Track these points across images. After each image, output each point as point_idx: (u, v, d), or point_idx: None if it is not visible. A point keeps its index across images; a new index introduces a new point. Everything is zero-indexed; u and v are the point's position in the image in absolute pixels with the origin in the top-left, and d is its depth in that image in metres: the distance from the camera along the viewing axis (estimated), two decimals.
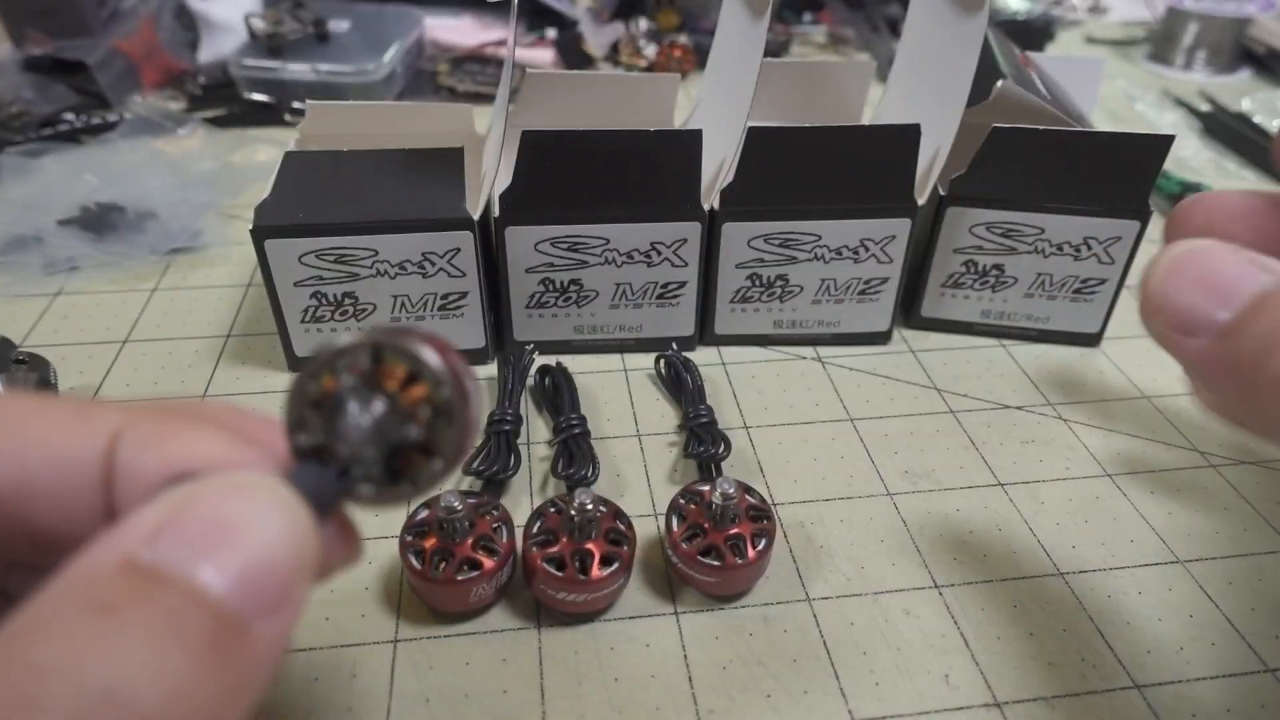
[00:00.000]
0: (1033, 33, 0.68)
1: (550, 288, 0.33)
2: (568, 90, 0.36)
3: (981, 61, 0.32)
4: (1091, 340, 0.36)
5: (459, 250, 0.31)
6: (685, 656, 0.23)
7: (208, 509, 0.11)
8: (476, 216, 0.30)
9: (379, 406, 0.13)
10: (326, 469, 0.13)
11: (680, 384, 0.32)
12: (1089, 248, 0.34)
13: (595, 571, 0.23)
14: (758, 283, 0.34)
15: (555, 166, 0.30)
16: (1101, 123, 0.58)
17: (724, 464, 0.29)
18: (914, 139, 0.31)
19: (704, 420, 0.29)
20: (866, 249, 0.33)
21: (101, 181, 0.43)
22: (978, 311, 0.36)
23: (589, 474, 0.28)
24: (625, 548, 0.24)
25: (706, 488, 0.26)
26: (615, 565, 0.23)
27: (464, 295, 0.32)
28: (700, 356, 0.35)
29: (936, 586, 0.25)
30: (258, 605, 0.11)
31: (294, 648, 0.23)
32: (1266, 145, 0.52)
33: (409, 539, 0.24)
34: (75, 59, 0.53)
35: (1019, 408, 0.32)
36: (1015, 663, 0.23)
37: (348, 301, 0.32)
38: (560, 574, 0.23)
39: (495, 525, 0.24)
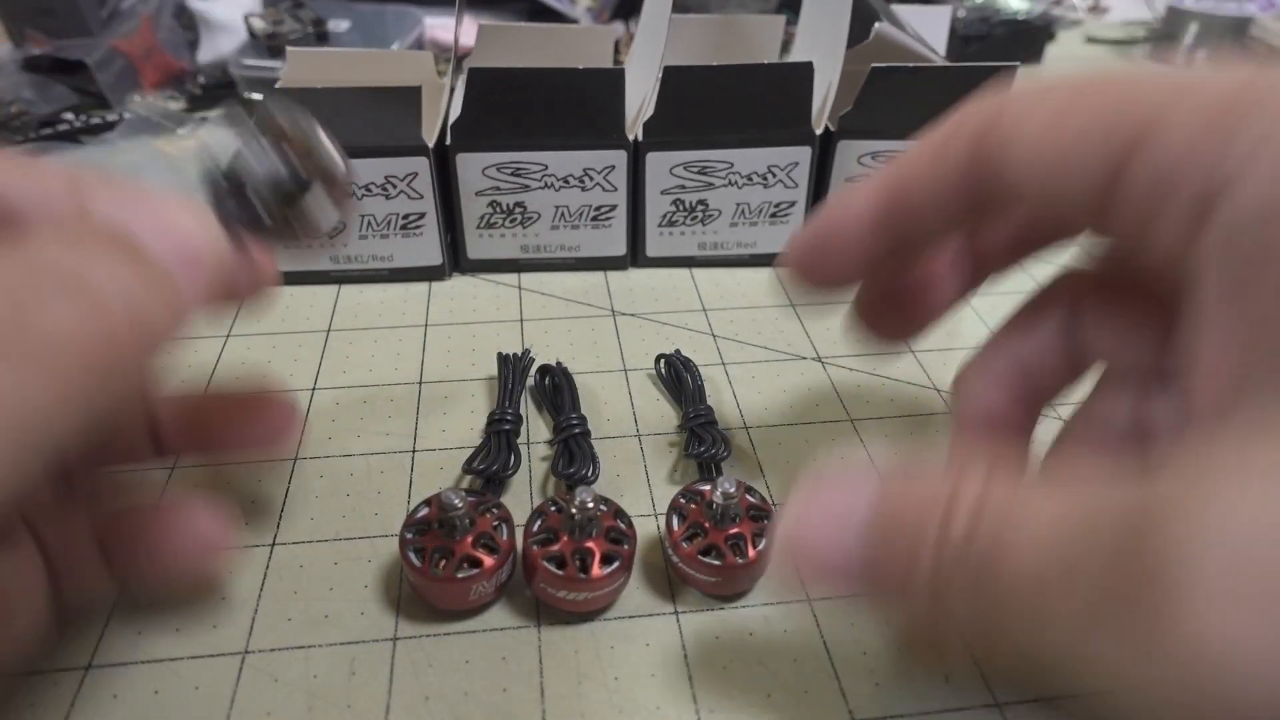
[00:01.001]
0: (1033, 33, 0.68)
1: (498, 209, 0.38)
2: (519, 40, 0.41)
3: (859, 8, 0.38)
4: None
5: (416, 174, 0.36)
6: (685, 656, 0.23)
7: (147, 203, 0.17)
8: (431, 144, 0.35)
9: (282, 168, 0.18)
10: (235, 201, 0.18)
11: (680, 384, 0.32)
12: None
13: (596, 570, 0.23)
14: (681, 208, 0.39)
15: (499, 100, 0.35)
16: None
17: (724, 464, 0.29)
18: (808, 75, 0.36)
19: (704, 420, 0.29)
20: (774, 175, 0.38)
21: None
22: None
23: (589, 473, 0.28)
24: (626, 546, 0.24)
25: (707, 487, 0.25)
26: (616, 564, 0.23)
27: (422, 216, 0.37)
28: (699, 355, 0.35)
29: None
30: (180, 264, 0.16)
31: (292, 645, 0.23)
32: None
33: (409, 537, 0.24)
34: (75, 59, 0.53)
35: None
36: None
37: None
38: (561, 572, 0.23)
39: (495, 523, 0.24)
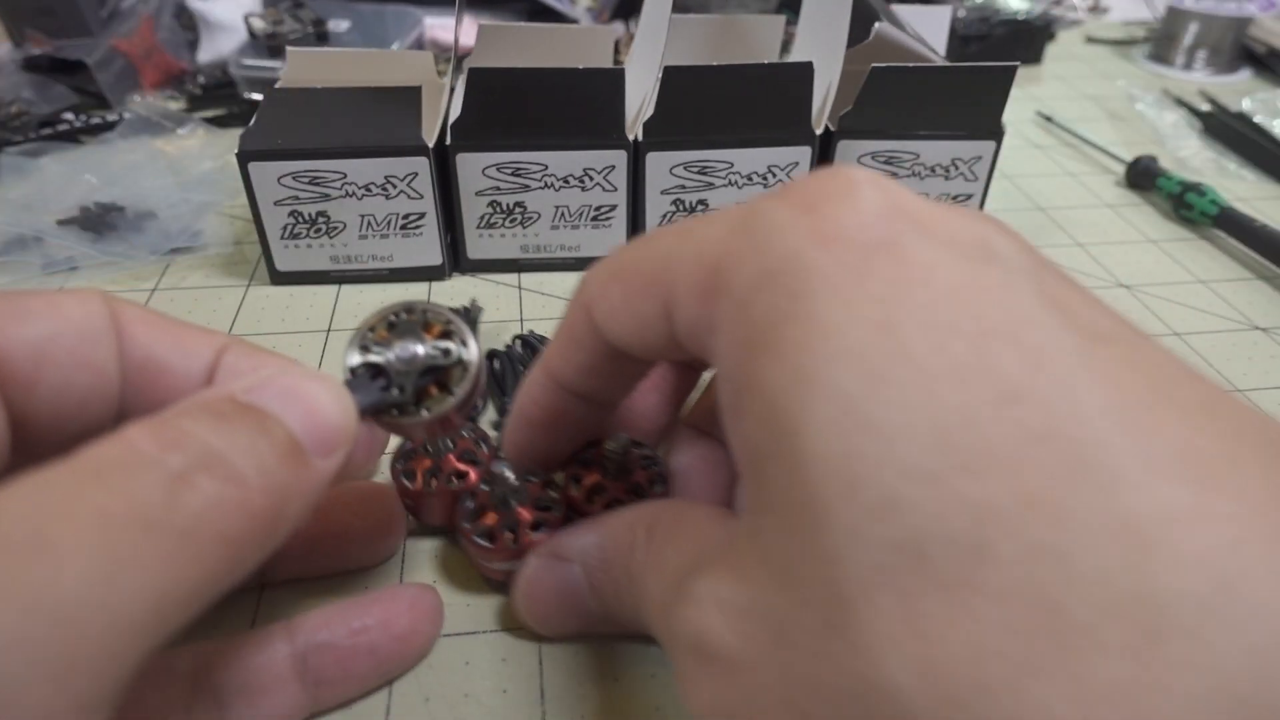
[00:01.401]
0: (1033, 33, 0.68)
1: (498, 209, 0.38)
2: (519, 40, 0.41)
3: (859, 8, 0.38)
4: None
5: (416, 174, 0.36)
6: None
7: (288, 381, 0.17)
8: (431, 144, 0.35)
9: (419, 344, 0.19)
10: (373, 381, 0.19)
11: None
12: (956, 168, 0.39)
13: (526, 538, 0.23)
14: (681, 208, 0.39)
15: (499, 100, 0.35)
16: (1101, 122, 0.58)
17: None
18: (808, 75, 0.36)
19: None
20: (774, 175, 0.38)
21: (101, 181, 0.43)
22: None
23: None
24: (554, 511, 0.24)
25: (594, 449, 0.25)
26: (544, 529, 0.23)
27: (422, 216, 0.37)
28: None
29: None
30: (315, 445, 0.16)
31: None
32: (1267, 145, 0.52)
33: (399, 467, 0.25)
34: (75, 59, 0.53)
35: None
36: None
37: (321, 220, 0.37)
38: (492, 545, 0.23)
39: (475, 440, 0.26)
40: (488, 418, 0.31)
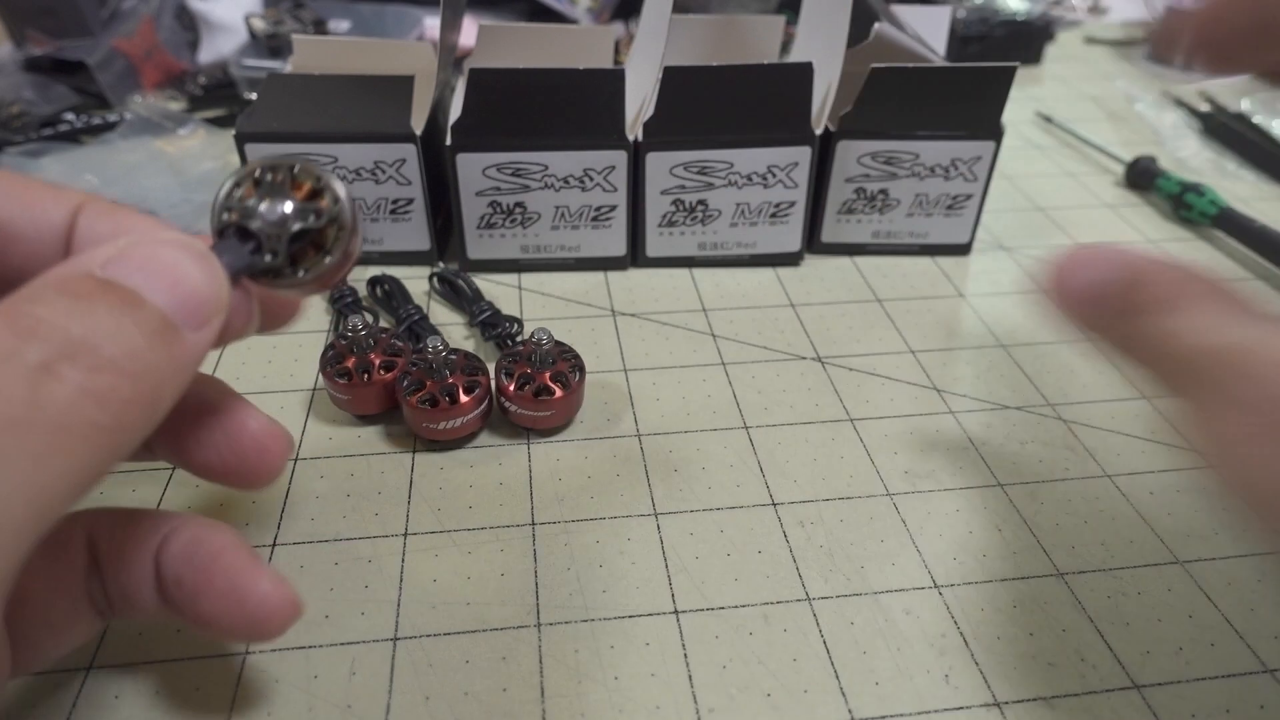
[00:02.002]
0: (1032, 33, 0.68)
1: (498, 210, 0.38)
2: (519, 40, 0.42)
3: (859, 8, 0.38)
4: (963, 250, 0.42)
5: (405, 160, 0.37)
6: (685, 655, 0.23)
7: (150, 251, 0.16)
8: (419, 133, 0.36)
9: (289, 203, 0.18)
10: (242, 244, 0.18)
11: (458, 292, 0.36)
12: (956, 168, 0.39)
13: (463, 399, 0.28)
14: (681, 208, 0.39)
15: (499, 100, 0.35)
16: (1101, 122, 0.58)
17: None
18: (808, 75, 0.36)
19: (488, 313, 0.34)
20: (774, 175, 0.38)
21: (101, 181, 0.43)
22: (869, 233, 0.41)
23: (416, 313, 0.34)
24: (482, 376, 0.29)
25: (521, 346, 0.30)
26: (477, 390, 0.29)
27: (410, 201, 0.38)
28: (699, 354, 0.35)
29: (936, 586, 0.25)
30: (185, 318, 0.15)
31: (293, 645, 0.23)
32: (1266, 146, 0.53)
33: (329, 370, 0.29)
34: (75, 59, 0.53)
35: (1018, 408, 0.33)
36: (1015, 663, 0.23)
37: None
38: (434, 408, 0.28)
39: (392, 339, 0.31)
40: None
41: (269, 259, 0.18)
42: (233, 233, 0.18)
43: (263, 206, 0.18)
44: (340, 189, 0.18)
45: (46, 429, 0.13)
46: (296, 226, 0.18)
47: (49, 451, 0.13)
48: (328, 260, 0.18)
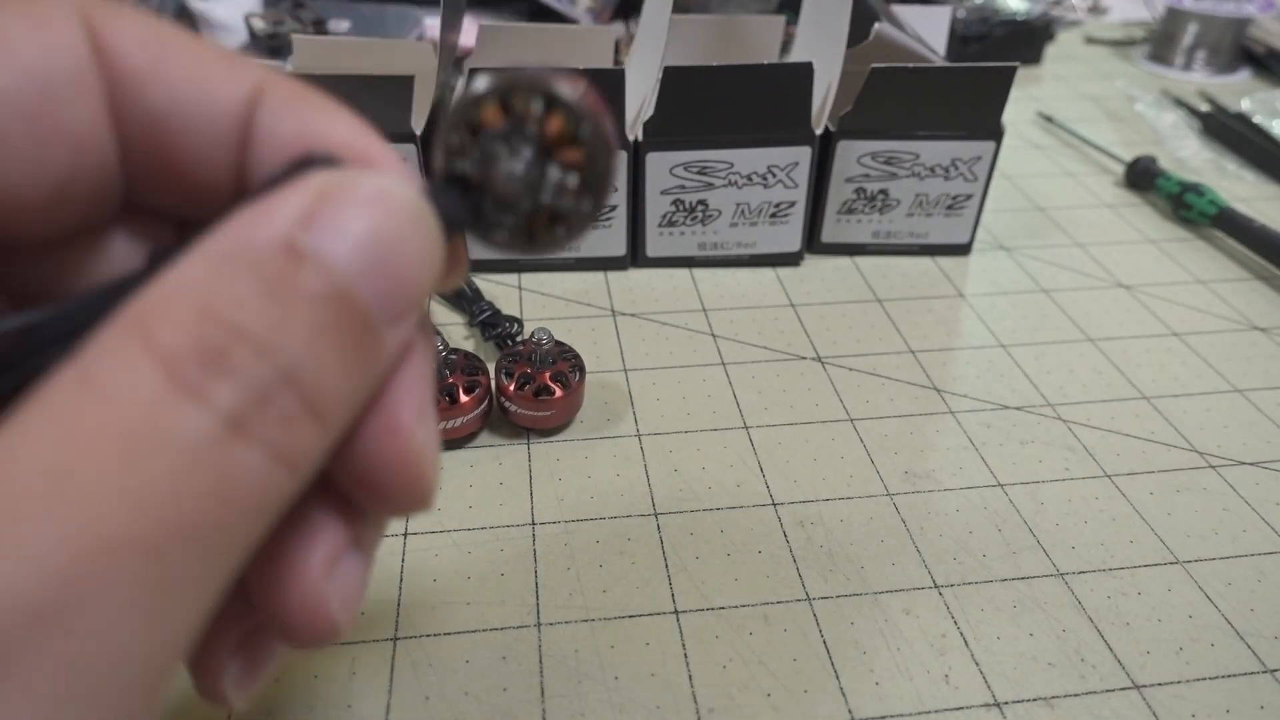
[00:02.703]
0: (1032, 33, 0.68)
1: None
2: (519, 40, 0.41)
3: (859, 8, 0.38)
4: (963, 250, 0.42)
5: (405, 161, 0.35)
6: (685, 655, 0.23)
7: (365, 215, 0.11)
8: (419, 133, 0.36)
9: (533, 160, 0.13)
10: (467, 198, 0.13)
11: (459, 292, 0.36)
12: (956, 168, 0.39)
13: (463, 399, 0.29)
14: (681, 208, 0.39)
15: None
16: (1101, 122, 0.58)
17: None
18: (808, 75, 0.36)
19: (488, 313, 0.35)
20: (774, 175, 0.38)
21: None
22: (869, 233, 0.41)
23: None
24: (482, 376, 0.29)
25: (521, 346, 0.31)
26: (477, 390, 0.29)
27: None
28: (699, 354, 0.35)
29: (936, 586, 0.25)
30: (392, 315, 0.11)
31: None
32: (1266, 146, 0.53)
33: None
34: None
35: (1018, 408, 0.33)
36: (1015, 663, 0.23)
37: None
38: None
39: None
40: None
41: (498, 236, 0.14)
42: (454, 181, 0.13)
43: (503, 167, 0.13)
44: (607, 139, 0.13)
45: (224, 522, 0.10)
46: (545, 201, 0.13)
47: (226, 538, 0.10)
48: (564, 234, 0.14)
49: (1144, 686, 0.23)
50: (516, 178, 0.13)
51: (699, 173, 0.38)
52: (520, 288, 0.39)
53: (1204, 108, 0.59)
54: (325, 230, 0.11)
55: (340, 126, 0.14)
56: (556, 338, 0.30)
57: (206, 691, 0.14)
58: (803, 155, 0.38)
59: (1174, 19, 0.68)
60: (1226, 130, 0.55)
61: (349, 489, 0.13)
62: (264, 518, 0.10)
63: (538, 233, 0.14)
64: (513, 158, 0.13)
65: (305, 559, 0.13)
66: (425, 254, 0.12)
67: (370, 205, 0.11)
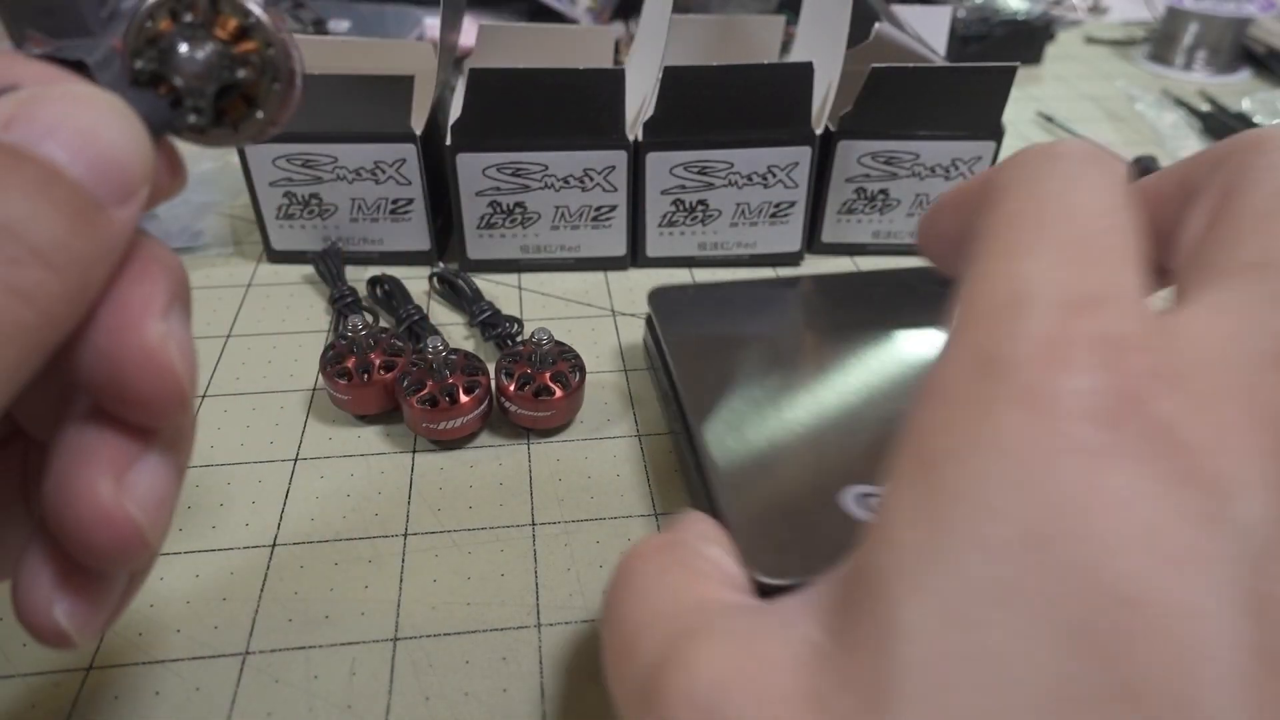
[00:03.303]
0: (1033, 33, 0.68)
1: (498, 210, 0.38)
2: (519, 40, 0.42)
3: (859, 8, 0.38)
4: None
5: (405, 160, 0.37)
6: None
7: (60, 109, 0.13)
8: (419, 133, 0.36)
9: (211, 47, 0.15)
10: (160, 97, 0.15)
11: (458, 292, 0.36)
12: (956, 168, 0.39)
13: (463, 399, 0.28)
14: (681, 208, 0.39)
15: (499, 100, 0.35)
16: (1101, 122, 0.58)
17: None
18: (808, 75, 0.36)
19: (488, 313, 0.34)
20: (774, 175, 0.38)
21: None
22: (869, 233, 0.41)
23: (414, 312, 0.34)
24: (482, 376, 0.29)
25: (521, 346, 0.31)
26: (477, 390, 0.29)
27: (410, 201, 0.38)
28: None
29: None
30: (109, 193, 0.13)
31: (293, 645, 0.23)
32: None
33: (329, 370, 0.29)
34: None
35: None
36: None
37: (313, 201, 0.38)
38: (435, 408, 0.28)
39: (393, 339, 0.31)
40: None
41: (193, 119, 0.15)
42: (147, 80, 0.15)
43: (181, 54, 0.15)
44: (274, 28, 0.15)
45: None
46: (222, 80, 0.15)
47: None
48: (261, 115, 0.16)
49: None
50: (197, 60, 0.15)
51: (699, 173, 0.38)
52: (520, 288, 0.39)
53: (1205, 108, 0.59)
54: (23, 125, 0.12)
55: (36, 68, 0.15)
56: (556, 338, 0.30)
57: (38, 630, 0.15)
58: (803, 155, 0.38)
59: (1174, 19, 0.68)
60: (1227, 130, 0.55)
61: (105, 399, 0.14)
62: (15, 348, 0.12)
63: (236, 117, 0.16)
64: (192, 48, 0.15)
65: (89, 471, 0.14)
66: (128, 139, 0.13)
67: (63, 101, 0.13)
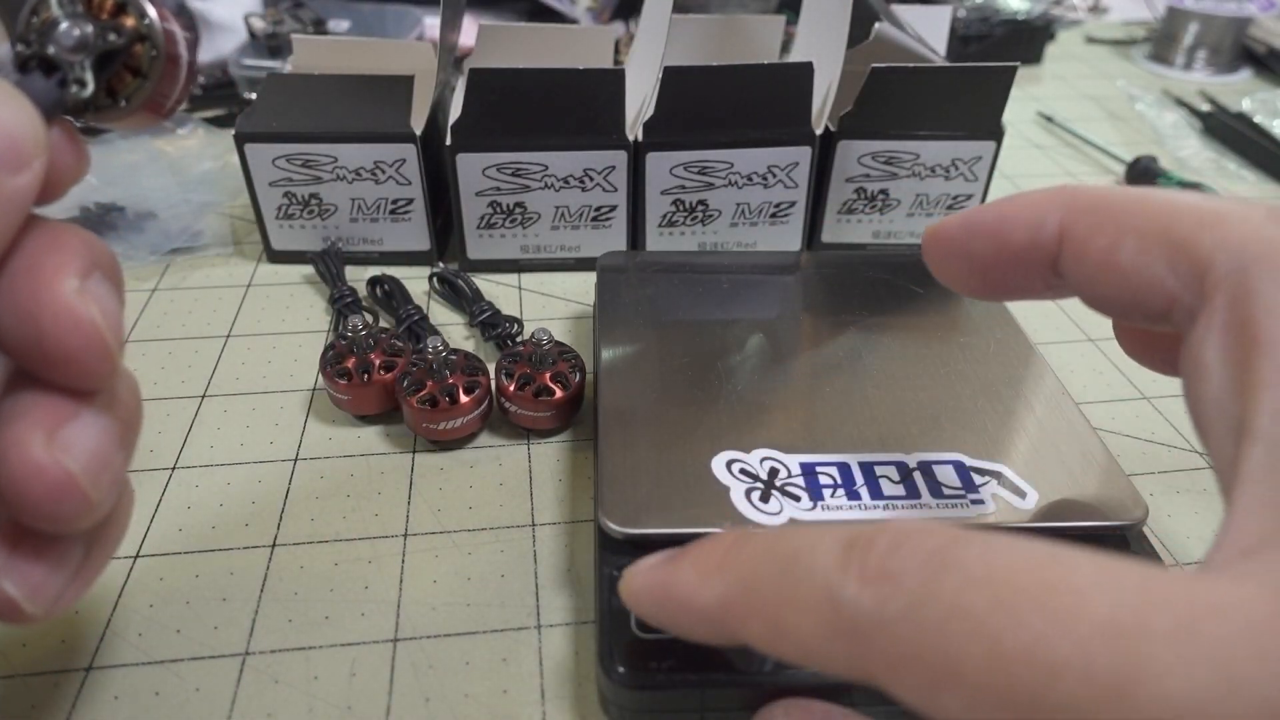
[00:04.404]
0: (1033, 33, 0.68)
1: (498, 210, 0.38)
2: (519, 40, 0.42)
3: (859, 8, 0.38)
4: None
5: (404, 160, 0.37)
6: None
7: None
8: (419, 133, 0.36)
9: (88, 25, 0.16)
10: (47, 79, 0.16)
11: (458, 292, 0.36)
12: (956, 168, 0.39)
13: (463, 399, 0.28)
14: (681, 208, 0.39)
15: (499, 100, 0.35)
16: (1101, 122, 0.58)
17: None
18: (808, 75, 0.36)
19: (488, 313, 0.34)
20: (774, 175, 0.38)
21: (101, 182, 0.43)
22: (869, 233, 0.41)
23: (414, 312, 0.34)
24: (482, 376, 0.29)
25: (521, 346, 0.31)
26: (477, 390, 0.29)
27: (410, 201, 0.38)
28: None
29: None
30: (3, 163, 0.14)
31: (293, 646, 0.23)
32: (1267, 145, 0.52)
33: (329, 370, 0.29)
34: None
35: None
36: None
37: (313, 202, 0.38)
38: (434, 409, 0.28)
39: (393, 339, 0.31)
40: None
41: (76, 89, 0.16)
42: (35, 65, 0.16)
43: (59, 31, 0.16)
44: (146, 3, 0.17)
45: None
46: (98, 49, 0.16)
47: None
48: (147, 85, 0.17)
49: None
50: (73, 35, 0.16)
51: (699, 173, 0.38)
52: (520, 288, 0.39)
53: (1205, 107, 0.59)
54: None
55: None
56: (556, 338, 0.30)
57: None
58: (803, 155, 0.38)
59: (1175, 18, 0.68)
60: (1227, 130, 0.55)
61: (30, 363, 0.15)
62: None
63: (125, 91, 0.17)
64: (70, 26, 0.16)
65: (19, 426, 0.15)
66: (14, 114, 0.14)
67: None
